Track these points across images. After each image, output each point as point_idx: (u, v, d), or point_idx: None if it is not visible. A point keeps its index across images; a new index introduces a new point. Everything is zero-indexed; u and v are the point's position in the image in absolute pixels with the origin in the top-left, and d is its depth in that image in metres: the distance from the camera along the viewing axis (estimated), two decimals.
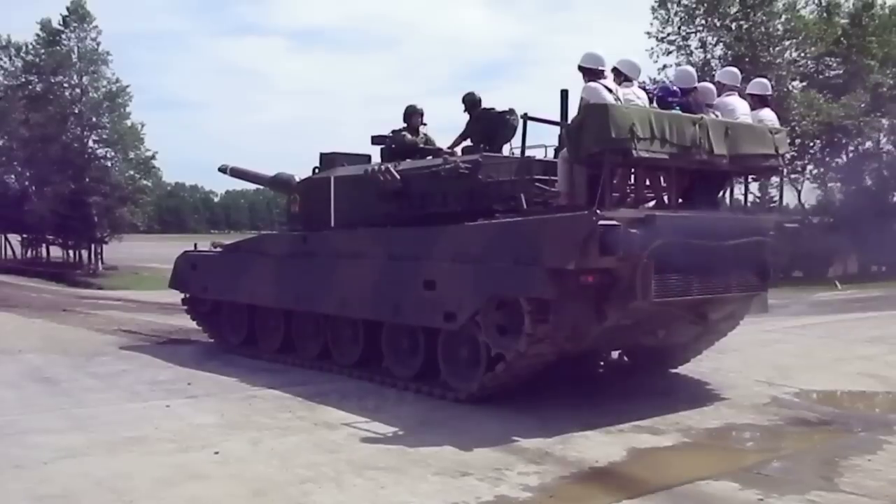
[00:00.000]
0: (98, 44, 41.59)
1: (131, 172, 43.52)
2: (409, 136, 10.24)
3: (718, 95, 8.83)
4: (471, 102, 9.84)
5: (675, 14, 32.59)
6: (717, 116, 8.31)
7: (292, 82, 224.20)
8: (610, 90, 7.76)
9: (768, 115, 9.00)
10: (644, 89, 8.60)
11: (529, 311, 7.30)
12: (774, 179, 11.42)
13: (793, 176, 30.96)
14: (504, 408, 7.77)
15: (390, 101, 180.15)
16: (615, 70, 8.12)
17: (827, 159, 33.33)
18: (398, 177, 9.22)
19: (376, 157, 10.52)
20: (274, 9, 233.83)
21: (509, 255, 7.55)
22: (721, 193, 8.99)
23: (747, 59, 29.45)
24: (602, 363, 10.24)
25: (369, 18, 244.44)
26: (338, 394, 8.55)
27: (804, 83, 32.40)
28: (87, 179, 41.22)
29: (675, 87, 8.62)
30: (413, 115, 10.43)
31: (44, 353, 11.47)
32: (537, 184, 8.36)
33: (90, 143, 42.31)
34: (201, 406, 8.08)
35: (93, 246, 45.37)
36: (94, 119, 41.73)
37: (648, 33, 32.86)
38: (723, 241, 7.57)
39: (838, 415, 8.03)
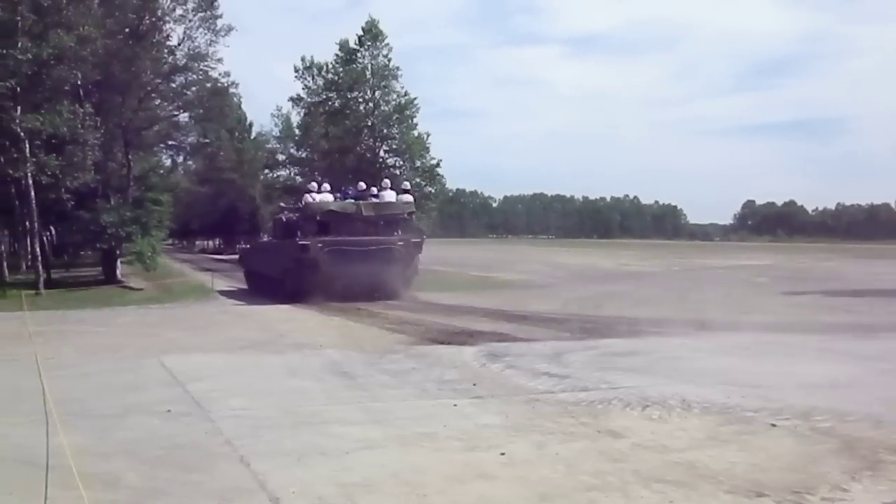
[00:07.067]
0: (389, 60, 44.02)
1: (417, 180, 45.73)
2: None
3: (383, 190, 24.68)
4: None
5: None
6: (372, 200, 24.11)
7: (568, 88, 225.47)
8: (313, 197, 23.59)
9: (405, 198, 24.69)
10: (338, 192, 24.74)
11: (288, 272, 22.67)
12: None
13: None
14: (805, 431, 7.20)
15: (670, 103, 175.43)
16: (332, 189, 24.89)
17: None
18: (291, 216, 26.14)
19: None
20: (552, 17, 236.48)
21: (286, 253, 22.99)
22: (395, 230, 23.75)
23: None
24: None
25: (646, 21, 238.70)
26: (620, 402, 8.39)
27: None
28: None
29: (350, 191, 24.84)
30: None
31: (341, 348, 12.35)
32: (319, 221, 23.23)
33: (381, 153, 44.98)
34: (486, 407, 8.27)
35: None
36: (384, 130, 44.26)
37: None
38: (366, 248, 21.83)
39: None
